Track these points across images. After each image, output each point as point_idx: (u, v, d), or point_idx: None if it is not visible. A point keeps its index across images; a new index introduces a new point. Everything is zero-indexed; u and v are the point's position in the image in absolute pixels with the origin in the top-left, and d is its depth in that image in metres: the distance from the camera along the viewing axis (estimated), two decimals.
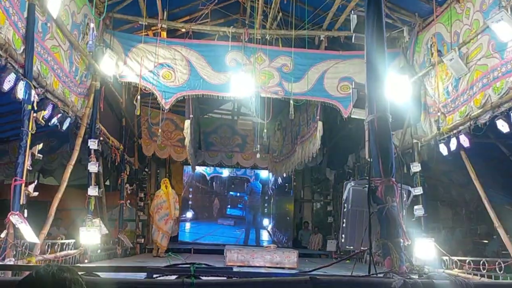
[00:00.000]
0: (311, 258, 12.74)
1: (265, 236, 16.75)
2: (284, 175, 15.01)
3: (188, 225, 16.32)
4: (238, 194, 17.18)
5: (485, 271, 6.72)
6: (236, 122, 15.98)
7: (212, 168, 16.78)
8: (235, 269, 4.36)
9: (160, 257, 10.53)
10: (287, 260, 8.82)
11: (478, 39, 7.18)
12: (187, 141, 11.07)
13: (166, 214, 11.02)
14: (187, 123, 10.75)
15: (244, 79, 9.39)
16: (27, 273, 1.66)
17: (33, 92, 5.80)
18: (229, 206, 17.00)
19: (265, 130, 10.48)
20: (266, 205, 17.09)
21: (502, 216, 7.77)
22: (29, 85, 5.68)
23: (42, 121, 6.35)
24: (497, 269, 6.51)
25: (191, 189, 16.71)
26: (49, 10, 6.33)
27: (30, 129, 5.76)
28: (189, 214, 16.42)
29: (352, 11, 6.54)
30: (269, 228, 16.87)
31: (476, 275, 6.84)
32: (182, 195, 16.13)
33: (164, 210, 11.08)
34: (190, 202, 16.58)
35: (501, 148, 8.56)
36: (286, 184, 16.96)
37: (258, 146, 11.90)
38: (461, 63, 7.43)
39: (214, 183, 17.12)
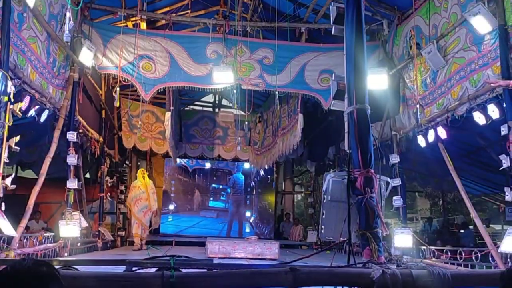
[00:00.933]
0: (292, 249, 12.84)
1: (247, 228, 16.78)
2: (266, 167, 15.06)
3: (170, 218, 16.25)
4: (221, 186, 17.14)
5: (461, 260, 6.87)
6: (217, 114, 15.97)
7: (194, 160, 16.71)
8: (216, 261, 4.38)
9: (142, 250, 10.19)
10: (268, 251, 8.86)
11: (456, 32, 7.28)
12: (167, 133, 11.01)
13: (145, 206, 10.51)
14: (168, 115, 10.69)
15: (225, 71, 9.36)
16: (4, 267, 1.64)
17: (9, 83, 5.69)
18: (211, 199, 16.97)
19: (246, 122, 10.50)
20: (248, 197, 17.10)
21: (478, 206, 7.94)
22: (5, 76, 5.56)
23: (19, 113, 6.25)
24: (473, 258, 6.66)
25: (173, 182, 16.62)
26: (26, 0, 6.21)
27: (6, 121, 5.67)
28: (171, 207, 16.35)
29: (332, 3, 6.56)
30: (252, 220, 16.90)
31: (453, 264, 6.99)
32: (163, 188, 16.09)
33: (143, 202, 10.53)
34: (172, 195, 16.49)
35: (477, 140, 8.72)
36: (268, 176, 16.99)
37: (239, 138, 11.90)
38: (439, 56, 7.53)
39: (196, 175, 17.04)
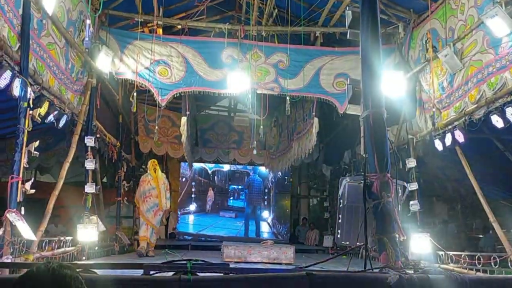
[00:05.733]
0: (308, 253, 12.78)
1: (265, 227, 16.90)
2: (282, 171, 15.13)
3: (192, 217, 16.62)
4: (239, 187, 17.33)
5: (480, 265, 6.77)
6: (233, 118, 16.07)
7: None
8: (232, 265, 4.39)
9: (148, 256, 9.27)
10: (284, 255, 8.83)
11: (473, 34, 7.20)
12: (183, 138, 11.07)
13: (156, 204, 9.38)
14: (184, 120, 10.76)
15: (240, 76, 9.41)
16: (26, 270, 1.68)
17: (29, 89, 5.78)
18: (231, 198, 17.15)
19: (261, 127, 10.52)
20: (265, 197, 17.20)
21: (497, 211, 7.82)
22: (25, 82, 5.66)
23: (38, 118, 6.34)
24: (492, 263, 6.57)
25: (194, 184, 16.88)
26: (44, 7, 6.31)
27: (26, 126, 5.76)
28: (192, 207, 16.66)
29: (347, 7, 6.56)
30: (269, 219, 16.99)
31: (472, 269, 6.89)
32: (183, 191, 16.42)
33: (153, 199, 9.38)
34: (193, 196, 16.80)
35: (495, 143, 8.60)
36: (285, 177, 17.08)
37: (255, 142, 11.92)
38: (456, 58, 7.45)
39: (215, 177, 17.24)
